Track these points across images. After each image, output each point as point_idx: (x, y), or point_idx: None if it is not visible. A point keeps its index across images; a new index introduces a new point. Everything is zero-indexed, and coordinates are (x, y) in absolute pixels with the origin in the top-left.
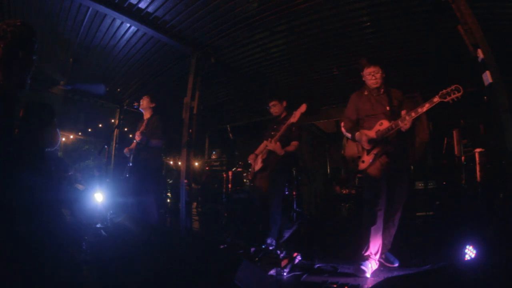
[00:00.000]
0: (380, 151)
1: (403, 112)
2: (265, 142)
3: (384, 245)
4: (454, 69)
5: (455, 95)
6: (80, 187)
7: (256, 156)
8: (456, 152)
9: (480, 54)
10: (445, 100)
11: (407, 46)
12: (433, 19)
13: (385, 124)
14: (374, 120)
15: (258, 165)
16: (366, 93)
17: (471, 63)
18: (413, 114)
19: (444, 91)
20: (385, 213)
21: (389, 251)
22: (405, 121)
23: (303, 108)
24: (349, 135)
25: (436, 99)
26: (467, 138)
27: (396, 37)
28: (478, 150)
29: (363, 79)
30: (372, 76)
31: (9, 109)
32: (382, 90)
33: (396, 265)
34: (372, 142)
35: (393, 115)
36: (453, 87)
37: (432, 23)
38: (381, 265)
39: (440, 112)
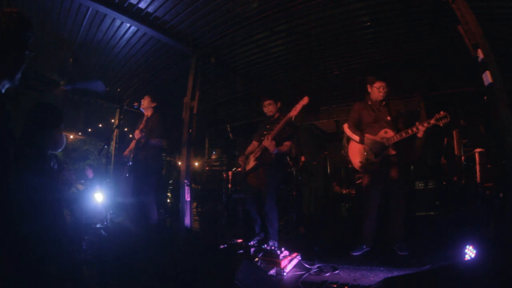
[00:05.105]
0: (385, 155)
1: (417, 123)
2: (254, 142)
3: (398, 234)
4: (454, 69)
5: (445, 120)
6: (80, 187)
7: (247, 156)
8: (456, 152)
9: (480, 54)
10: (439, 123)
11: (407, 46)
12: (433, 19)
13: (389, 132)
14: (376, 128)
15: (250, 164)
16: (369, 103)
17: (471, 63)
18: (425, 124)
19: (437, 115)
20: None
21: (401, 243)
22: (419, 131)
23: (305, 100)
24: (356, 138)
25: (432, 121)
26: (467, 138)
27: (396, 37)
28: (478, 150)
29: (370, 90)
30: (381, 89)
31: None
32: (383, 102)
33: (406, 253)
34: (380, 147)
35: (394, 124)
36: (442, 114)
37: (432, 23)
38: (387, 257)
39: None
